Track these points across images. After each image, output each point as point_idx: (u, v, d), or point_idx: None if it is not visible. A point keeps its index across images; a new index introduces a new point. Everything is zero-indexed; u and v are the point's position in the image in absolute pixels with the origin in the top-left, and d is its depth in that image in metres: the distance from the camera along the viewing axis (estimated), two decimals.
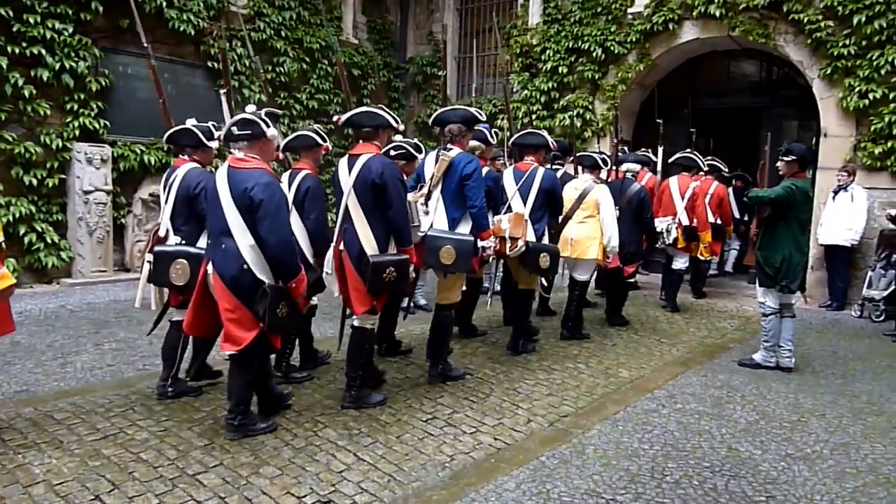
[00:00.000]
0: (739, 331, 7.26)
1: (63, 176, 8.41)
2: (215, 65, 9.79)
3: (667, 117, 9.66)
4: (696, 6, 9.40)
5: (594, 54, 10.45)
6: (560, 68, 10.79)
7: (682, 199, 8.15)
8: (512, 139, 6.28)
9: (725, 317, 7.94)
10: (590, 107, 10.66)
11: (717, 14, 9.21)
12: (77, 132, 8.42)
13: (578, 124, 10.61)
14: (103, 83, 8.66)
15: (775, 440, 4.23)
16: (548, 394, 4.94)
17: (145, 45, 5.60)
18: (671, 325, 7.39)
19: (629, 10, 10.17)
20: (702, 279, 9.06)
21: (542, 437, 4.18)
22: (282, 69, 10.66)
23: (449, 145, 5.00)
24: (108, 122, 8.73)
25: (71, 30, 8.31)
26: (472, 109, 5.12)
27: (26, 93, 7.96)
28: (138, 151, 9.02)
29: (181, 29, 9.30)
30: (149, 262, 4.39)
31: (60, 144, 8.28)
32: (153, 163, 9.14)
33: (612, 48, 10.30)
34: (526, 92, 11.13)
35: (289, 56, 10.77)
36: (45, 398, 4.46)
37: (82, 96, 8.47)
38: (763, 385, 5.30)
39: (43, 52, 8.06)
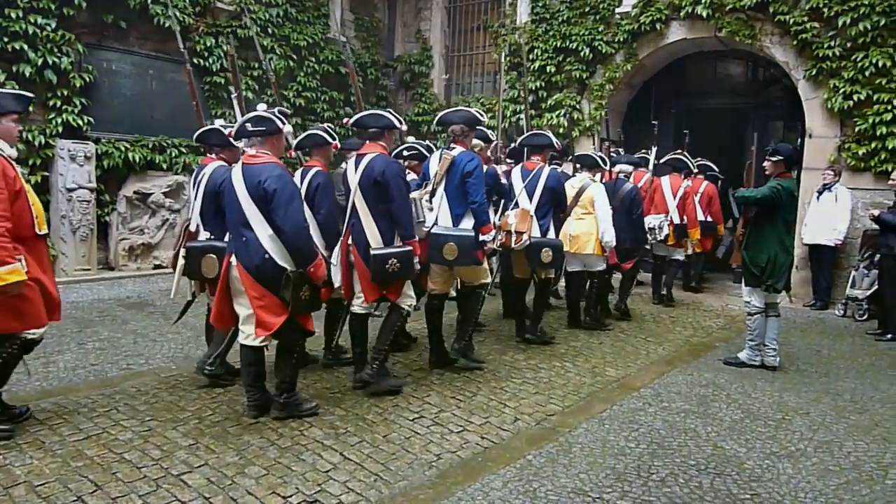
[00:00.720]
0: (725, 330, 7.30)
1: (46, 173, 8.30)
2: (200, 61, 9.71)
3: (654, 117, 9.70)
4: (683, 6, 9.44)
5: (582, 54, 10.47)
6: (548, 67, 10.80)
7: (674, 198, 8.34)
8: (519, 140, 6.58)
9: (711, 316, 7.99)
10: (577, 106, 10.68)
11: (704, 14, 9.25)
12: (60, 129, 8.32)
13: (566, 124, 10.63)
14: (87, 79, 8.56)
15: (760, 438, 4.26)
16: (535, 392, 4.95)
17: (182, 49, 5.82)
18: (657, 324, 7.42)
19: (617, 10, 10.19)
20: (694, 274, 9.35)
21: (529, 436, 4.18)
22: (268, 66, 10.58)
23: (452, 144, 5.24)
24: (91, 119, 8.63)
25: (54, 25, 8.21)
26: (475, 111, 5.40)
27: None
28: (123, 149, 8.92)
29: (166, 25, 9.20)
30: (183, 256, 4.64)
31: (43, 141, 8.18)
32: (138, 160, 9.04)
33: (599, 48, 10.32)
34: (514, 91, 11.13)
35: (276, 53, 10.69)
36: (27, 398, 4.39)
37: (65, 92, 8.37)
38: (748, 383, 5.34)
39: (25, 47, 7.96)
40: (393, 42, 13.26)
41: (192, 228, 4.74)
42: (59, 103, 8.31)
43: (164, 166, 9.36)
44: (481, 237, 5.08)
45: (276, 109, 4.22)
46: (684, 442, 4.16)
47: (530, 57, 10.98)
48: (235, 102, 5.48)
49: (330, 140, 5.00)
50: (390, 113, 4.83)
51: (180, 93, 9.66)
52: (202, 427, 4.05)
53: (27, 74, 7.99)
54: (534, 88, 10.94)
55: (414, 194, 5.01)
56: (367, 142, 4.77)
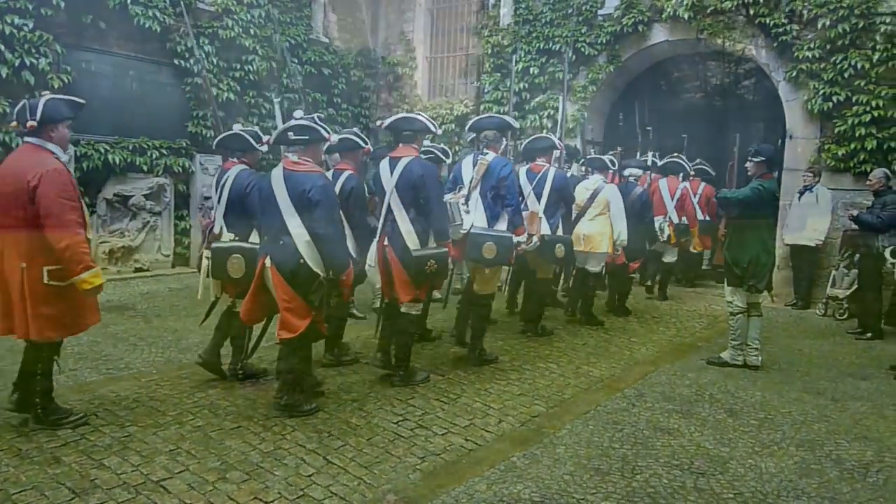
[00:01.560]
0: (708, 330, 7.35)
1: None
2: (181, 62, 9.61)
3: (635, 119, 9.75)
4: (665, 9, 9.50)
5: (565, 55, 10.49)
6: (531, 69, 10.82)
7: (672, 199, 8.66)
8: (523, 144, 6.85)
9: (694, 316, 8.03)
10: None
11: (686, 17, 9.31)
12: None
13: (549, 125, 10.65)
14: (65, 80, 8.43)
15: (743, 437, 4.28)
16: (519, 394, 4.94)
17: (199, 58, 5.82)
18: (641, 324, 7.45)
19: (599, 12, 10.25)
20: (693, 271, 9.82)
21: (514, 438, 4.17)
22: (250, 67, 10.50)
23: (485, 150, 5.48)
24: None
25: (31, 25, 8.08)
26: (508, 118, 5.79)
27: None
28: (102, 150, 8.80)
29: (146, 25, 9.11)
30: (207, 257, 4.77)
31: (21, 143, 8.02)
32: (118, 162, 8.92)
33: (582, 49, 10.37)
34: (497, 92, 11.13)
35: (258, 54, 10.61)
36: (2, 404, 4.30)
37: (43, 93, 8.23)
38: (731, 383, 5.37)
39: (2, 48, 7.83)
40: (377, 43, 13.22)
41: (217, 230, 4.84)
42: None
43: (145, 168, 9.25)
44: (514, 238, 5.28)
45: (314, 116, 4.37)
46: (668, 442, 4.17)
47: (514, 59, 10.98)
48: (277, 108, 5.74)
49: (362, 144, 5.15)
50: (423, 116, 5.01)
51: (161, 94, 9.60)
52: (183, 432, 3.99)
53: (4, 75, 7.86)
54: (517, 90, 10.94)
55: (448, 197, 5.22)
56: (400, 144, 4.93)
